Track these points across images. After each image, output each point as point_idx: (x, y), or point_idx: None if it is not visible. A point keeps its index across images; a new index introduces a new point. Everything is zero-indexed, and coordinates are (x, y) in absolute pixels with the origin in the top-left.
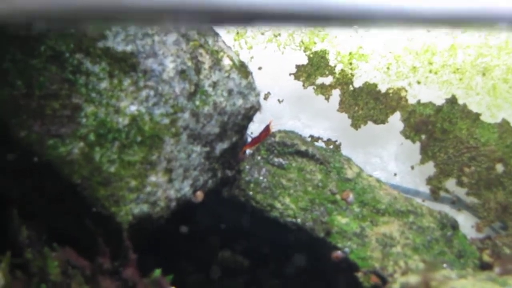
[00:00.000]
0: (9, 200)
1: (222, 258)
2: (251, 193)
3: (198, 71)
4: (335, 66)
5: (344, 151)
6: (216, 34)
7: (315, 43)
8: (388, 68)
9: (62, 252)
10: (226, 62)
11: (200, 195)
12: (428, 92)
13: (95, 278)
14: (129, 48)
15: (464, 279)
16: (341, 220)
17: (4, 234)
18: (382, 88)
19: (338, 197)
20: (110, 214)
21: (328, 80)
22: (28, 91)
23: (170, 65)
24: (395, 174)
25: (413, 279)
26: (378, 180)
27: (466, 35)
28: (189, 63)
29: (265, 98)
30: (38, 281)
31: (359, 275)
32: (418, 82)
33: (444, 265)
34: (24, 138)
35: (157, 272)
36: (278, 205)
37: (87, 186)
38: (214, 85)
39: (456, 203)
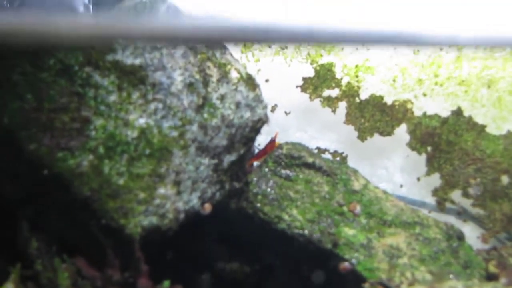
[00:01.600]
0: (19, 212)
1: (231, 270)
2: (258, 205)
3: (206, 84)
4: (341, 79)
5: (351, 163)
6: (224, 47)
7: (321, 55)
8: (394, 80)
9: (73, 262)
10: (234, 75)
11: (208, 207)
12: (433, 104)
13: None
14: (137, 61)
15: None
16: (348, 231)
17: (14, 246)
18: (388, 100)
19: (345, 208)
20: (119, 226)
21: (334, 92)
22: (38, 104)
23: (179, 78)
24: (401, 186)
25: None
26: (384, 192)
27: (471, 47)
28: (197, 76)
29: (272, 110)
30: None
31: (367, 286)
32: (424, 95)
33: (451, 276)
34: (34, 151)
35: (166, 283)
36: (286, 217)
37: (96, 198)
38: (222, 97)
39: (462, 214)
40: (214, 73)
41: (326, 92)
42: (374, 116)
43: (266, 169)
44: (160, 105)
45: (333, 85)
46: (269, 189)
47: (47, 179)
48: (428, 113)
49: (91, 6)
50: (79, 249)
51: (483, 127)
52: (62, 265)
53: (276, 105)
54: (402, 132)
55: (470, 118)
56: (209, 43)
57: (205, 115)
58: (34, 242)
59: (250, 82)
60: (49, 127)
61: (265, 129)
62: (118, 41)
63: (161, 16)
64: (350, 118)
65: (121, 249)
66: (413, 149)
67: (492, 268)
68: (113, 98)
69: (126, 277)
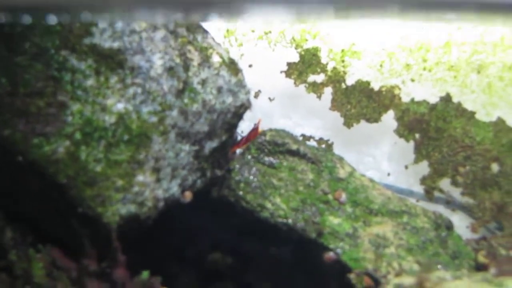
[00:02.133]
0: None
1: (212, 260)
2: (241, 193)
3: (186, 68)
4: (327, 64)
5: (337, 150)
6: (205, 31)
7: (306, 40)
8: (381, 65)
9: (48, 253)
10: (216, 59)
11: (188, 195)
12: (422, 90)
13: (81, 280)
14: (116, 44)
15: (459, 280)
16: (333, 220)
17: None
18: (375, 86)
19: (330, 197)
20: (96, 214)
21: (320, 78)
22: (13, 88)
23: (158, 62)
24: (388, 174)
25: (407, 280)
26: (371, 180)
27: (460, 32)
28: (178, 60)
29: (256, 96)
30: (23, 283)
31: (352, 276)
32: (412, 80)
33: (439, 266)
34: (9, 136)
35: (145, 274)
36: (269, 205)
37: (72, 185)
38: (203, 82)
39: (451, 203)
40: (195, 57)
41: (311, 78)
42: (360, 102)
43: (249, 156)
44: (139, 90)
45: (319, 70)
46: (252, 177)
47: (21, 166)
48: (416, 99)
49: None
50: (54, 239)
51: (472, 113)
52: (37, 255)
53: (259, 90)
54: (389, 118)
55: (459, 104)
56: None
57: (186, 100)
58: (8, 231)
59: (232, 66)
60: (24, 112)
61: (248, 115)
62: None
63: None
64: (336, 104)
65: (98, 238)
66: (400, 136)
67: (481, 258)
68: (90, 82)
69: (103, 267)
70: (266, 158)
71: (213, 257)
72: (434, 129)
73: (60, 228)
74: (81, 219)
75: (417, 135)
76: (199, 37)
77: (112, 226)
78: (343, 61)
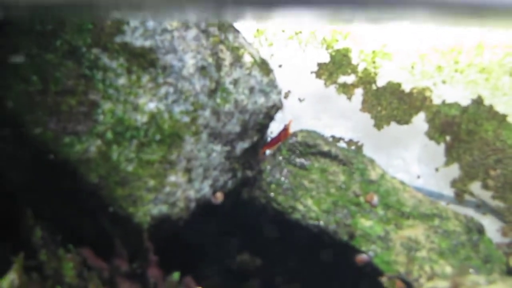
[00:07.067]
0: (23, 199)
1: (241, 261)
2: (272, 194)
3: (218, 67)
4: (358, 65)
5: (366, 152)
6: (236, 31)
7: (337, 40)
8: (412, 67)
9: (80, 253)
10: (247, 59)
11: (220, 196)
12: (453, 92)
13: (113, 280)
14: (148, 43)
15: (494, 284)
16: (365, 223)
17: (17, 235)
18: (406, 87)
19: (361, 199)
20: (127, 214)
21: (350, 79)
22: (44, 87)
23: (190, 61)
24: (418, 177)
25: (440, 284)
26: (402, 183)
27: (493, 34)
28: (210, 60)
29: (286, 96)
30: (53, 283)
31: (384, 279)
32: (444, 82)
33: (471, 270)
34: (39, 135)
35: (176, 275)
36: (300, 207)
37: (104, 185)
38: (235, 82)
39: (481, 206)
40: (227, 56)
41: (342, 79)
42: (391, 104)
43: (280, 158)
44: (171, 89)
45: (349, 71)
46: (283, 178)
47: (52, 165)
48: (448, 101)
49: None
50: (85, 238)
51: (504, 116)
52: (67, 255)
53: (289, 91)
54: (420, 120)
55: (491, 107)
56: None
57: (218, 100)
58: (38, 230)
59: (264, 66)
60: (55, 110)
61: (278, 116)
62: None
63: None
64: (366, 106)
65: (129, 238)
66: (431, 138)
67: None
68: (122, 81)
69: (134, 268)
70: (298, 160)
71: (242, 258)
72: (465, 131)
73: (90, 228)
74: (112, 219)
75: (448, 138)
76: (231, 37)
77: (144, 226)
78: (374, 62)
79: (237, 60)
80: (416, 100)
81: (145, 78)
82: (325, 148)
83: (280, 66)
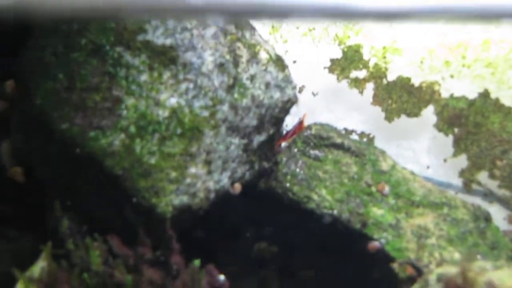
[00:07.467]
0: (51, 191)
1: (258, 249)
2: (288, 185)
3: (236, 64)
4: (369, 60)
5: (377, 144)
6: (253, 28)
7: (349, 37)
8: (421, 62)
9: (104, 241)
10: (263, 55)
11: (238, 186)
12: (461, 86)
13: (138, 267)
14: (168, 41)
15: (500, 270)
16: (377, 211)
17: (46, 225)
18: (416, 82)
19: (373, 189)
20: (150, 205)
21: (362, 73)
22: (70, 84)
23: (209, 58)
24: (428, 167)
25: (449, 270)
26: (412, 173)
27: (499, 30)
28: (228, 57)
29: (300, 91)
30: (80, 270)
31: (395, 265)
32: (451, 76)
33: (478, 256)
34: (66, 130)
35: (197, 262)
36: (315, 197)
37: (128, 177)
38: (252, 78)
39: (488, 195)
40: (244, 53)
41: (354, 73)
42: (401, 97)
43: (295, 150)
44: (191, 85)
45: (361, 66)
46: (298, 169)
47: (79, 158)
48: (456, 95)
49: None
50: (110, 228)
51: (509, 109)
52: (93, 243)
53: (303, 86)
54: (429, 113)
55: (497, 100)
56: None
57: (236, 95)
58: (65, 221)
59: (279, 62)
60: (81, 106)
61: (293, 109)
62: (131, 15)
63: None
64: (377, 99)
65: (152, 228)
66: (440, 130)
67: None
68: (144, 77)
69: (157, 255)
70: (312, 151)
71: (259, 246)
72: (472, 124)
73: (115, 218)
74: (135, 209)
75: (456, 130)
76: (247, 34)
77: (166, 216)
78: (384, 57)
79: (254, 57)
80: (425, 94)
81: (166, 75)
82: (338, 140)
83: (294, 62)
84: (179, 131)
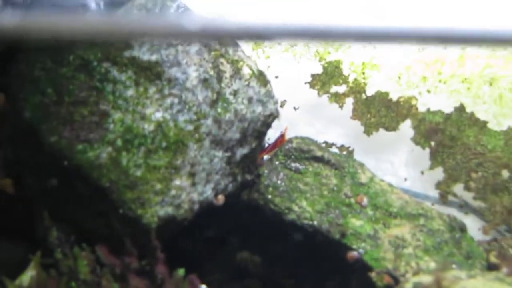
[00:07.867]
0: (40, 202)
1: (241, 258)
2: (269, 196)
3: (219, 79)
4: (348, 76)
5: (357, 157)
6: (236, 44)
7: (329, 53)
8: (399, 77)
9: (92, 251)
10: (246, 71)
11: (221, 198)
12: (437, 101)
13: (125, 276)
14: (154, 57)
15: (474, 279)
16: (356, 222)
17: (35, 235)
18: (394, 96)
19: (352, 200)
20: (136, 216)
21: (342, 88)
22: (58, 98)
23: (193, 74)
24: (405, 179)
25: (425, 279)
26: (390, 185)
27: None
28: (211, 72)
29: (282, 106)
30: (68, 279)
31: (373, 275)
32: (428, 91)
33: (454, 265)
34: (55, 143)
35: (181, 271)
36: (296, 208)
37: (114, 189)
38: (235, 93)
39: (464, 207)
40: (227, 69)
41: (334, 88)
42: (379, 111)
43: (277, 162)
44: (176, 100)
45: (341, 81)
46: (279, 181)
47: (67, 170)
48: (432, 109)
49: (102, 4)
50: (97, 238)
51: (484, 123)
52: (81, 253)
53: (285, 100)
54: (406, 127)
55: (472, 114)
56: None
57: (219, 110)
58: (54, 231)
59: (261, 78)
60: (69, 120)
61: (274, 123)
62: (129, 38)
63: (171, 14)
64: (356, 114)
65: (138, 238)
66: (417, 144)
67: (493, 258)
68: (130, 92)
69: (143, 265)
70: (293, 164)
71: (242, 255)
72: (448, 137)
73: (102, 228)
74: (122, 220)
75: (432, 143)
76: (231, 50)
77: (151, 226)
78: (363, 73)
79: (237, 72)
80: (403, 108)
81: (152, 90)
82: (319, 153)
83: (276, 77)
84: (164, 144)
